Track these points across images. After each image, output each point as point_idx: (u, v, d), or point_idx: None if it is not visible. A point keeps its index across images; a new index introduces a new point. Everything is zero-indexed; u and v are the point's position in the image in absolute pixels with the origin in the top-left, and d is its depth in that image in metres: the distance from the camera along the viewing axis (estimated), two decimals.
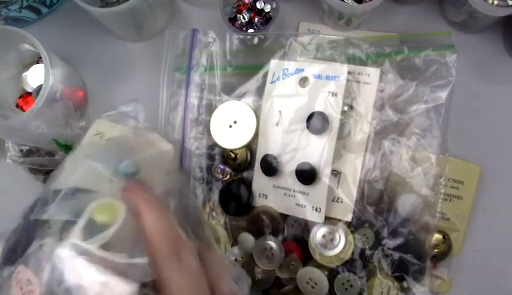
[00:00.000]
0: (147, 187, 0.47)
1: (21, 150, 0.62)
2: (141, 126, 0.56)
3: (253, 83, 0.63)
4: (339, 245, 0.58)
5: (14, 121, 0.60)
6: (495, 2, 0.62)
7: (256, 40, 0.65)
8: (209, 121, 0.63)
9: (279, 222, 0.60)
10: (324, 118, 0.58)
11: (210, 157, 0.64)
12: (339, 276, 0.59)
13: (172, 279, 0.42)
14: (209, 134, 0.63)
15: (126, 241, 0.43)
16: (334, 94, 0.58)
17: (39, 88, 0.67)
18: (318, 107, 0.59)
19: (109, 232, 0.41)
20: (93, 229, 0.42)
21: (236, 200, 0.61)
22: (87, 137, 0.54)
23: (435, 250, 0.62)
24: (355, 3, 0.65)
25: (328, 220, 0.59)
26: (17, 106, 0.69)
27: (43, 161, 0.62)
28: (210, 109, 0.64)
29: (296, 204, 0.59)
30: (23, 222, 0.46)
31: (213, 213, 0.63)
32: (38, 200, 0.45)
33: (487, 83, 0.70)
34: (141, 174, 0.48)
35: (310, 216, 0.59)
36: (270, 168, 0.60)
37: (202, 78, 0.65)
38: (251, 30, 0.67)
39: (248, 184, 0.62)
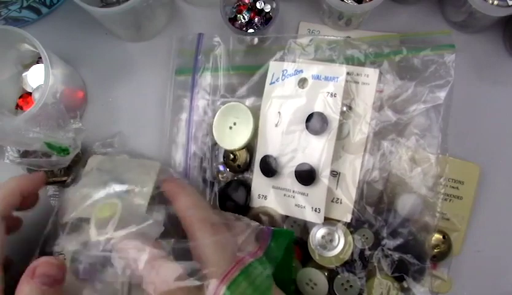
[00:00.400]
0: (178, 179, 0.63)
1: (19, 151, 0.62)
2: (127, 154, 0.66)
3: (253, 84, 0.64)
4: (339, 246, 0.58)
5: (5, 125, 0.60)
6: (495, 2, 0.62)
7: (256, 40, 0.65)
8: (212, 123, 0.63)
9: (278, 223, 0.61)
10: (323, 119, 0.58)
11: (212, 158, 0.64)
12: (339, 276, 0.59)
13: (205, 238, 0.51)
14: (212, 135, 0.63)
15: (130, 219, 0.53)
16: (333, 95, 0.58)
17: (39, 88, 0.67)
18: (317, 108, 0.59)
19: (116, 218, 0.52)
20: (102, 224, 0.52)
21: (233, 200, 0.62)
22: (85, 172, 0.62)
23: (435, 250, 0.62)
24: (355, 4, 0.65)
25: (328, 221, 0.59)
26: (17, 106, 0.69)
27: (40, 162, 0.62)
28: (213, 110, 0.64)
29: (296, 205, 0.59)
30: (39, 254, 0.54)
31: None
32: (50, 232, 0.56)
33: (487, 83, 0.70)
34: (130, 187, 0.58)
35: (310, 216, 0.59)
36: (269, 169, 0.60)
37: (206, 80, 0.65)
38: (251, 30, 0.67)
39: (246, 184, 0.62)
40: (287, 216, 0.61)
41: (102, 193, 0.57)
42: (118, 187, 0.57)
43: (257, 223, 0.56)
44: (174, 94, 0.67)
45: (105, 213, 0.54)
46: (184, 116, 0.66)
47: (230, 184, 0.63)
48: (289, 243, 0.56)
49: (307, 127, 0.59)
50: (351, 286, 0.59)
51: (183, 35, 0.68)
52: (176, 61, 0.67)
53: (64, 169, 0.65)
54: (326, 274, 0.59)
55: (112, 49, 0.74)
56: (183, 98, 0.66)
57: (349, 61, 0.61)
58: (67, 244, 0.52)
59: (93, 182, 0.58)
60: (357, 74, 0.60)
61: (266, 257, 0.53)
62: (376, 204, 0.61)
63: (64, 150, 0.61)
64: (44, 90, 0.59)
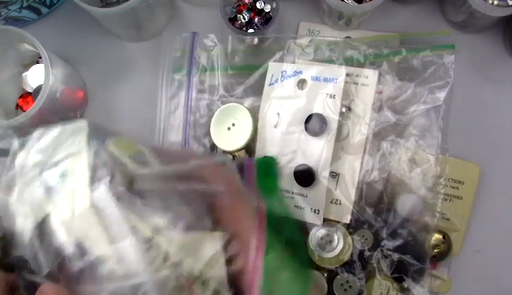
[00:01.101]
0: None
1: None
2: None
3: (252, 85, 0.64)
4: (338, 247, 0.58)
5: None
6: (495, 2, 0.62)
7: (256, 40, 0.65)
8: (210, 123, 0.63)
9: None
10: (322, 120, 0.58)
11: None
12: (338, 277, 0.59)
13: None
14: (210, 135, 0.63)
15: None
16: (332, 96, 0.58)
17: (39, 88, 0.67)
18: (316, 109, 0.59)
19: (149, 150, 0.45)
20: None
21: None
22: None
23: (435, 250, 0.62)
24: (355, 3, 0.64)
25: (327, 221, 0.59)
26: (17, 106, 0.69)
27: None
28: (211, 110, 0.64)
29: (295, 206, 0.59)
30: None
31: None
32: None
33: (487, 83, 0.70)
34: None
35: (309, 217, 0.59)
36: None
37: (203, 80, 0.65)
38: (251, 30, 0.67)
39: None
40: None
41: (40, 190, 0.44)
42: (51, 174, 0.44)
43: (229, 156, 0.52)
44: (167, 94, 0.66)
45: (128, 148, 0.45)
46: (180, 116, 0.65)
47: None
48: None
49: (306, 128, 0.59)
50: (350, 286, 0.59)
51: (176, 34, 0.67)
52: (169, 60, 0.66)
53: None
54: (325, 275, 0.59)
55: (111, 49, 0.74)
56: (179, 98, 0.66)
57: (349, 62, 0.61)
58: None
59: (27, 180, 0.46)
60: (356, 75, 0.60)
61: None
62: (376, 204, 0.61)
63: None
64: (44, 90, 0.59)
